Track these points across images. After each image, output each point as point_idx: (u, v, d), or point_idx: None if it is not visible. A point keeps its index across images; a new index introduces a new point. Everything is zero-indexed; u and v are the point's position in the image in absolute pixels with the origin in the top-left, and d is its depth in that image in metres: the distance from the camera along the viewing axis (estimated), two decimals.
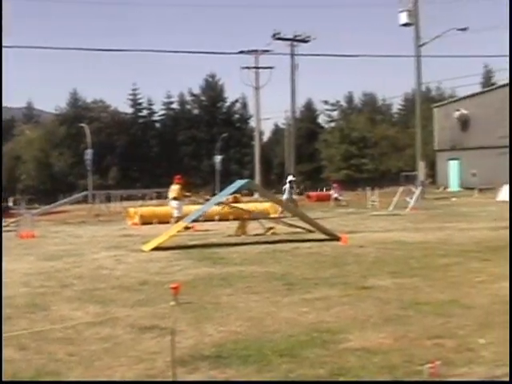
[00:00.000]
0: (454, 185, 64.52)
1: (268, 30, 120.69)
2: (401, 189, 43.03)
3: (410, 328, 9.23)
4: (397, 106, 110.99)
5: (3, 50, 28.92)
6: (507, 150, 59.53)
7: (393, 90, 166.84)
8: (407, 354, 8.03)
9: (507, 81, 63.42)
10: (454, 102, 69.56)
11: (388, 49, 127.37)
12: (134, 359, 8.08)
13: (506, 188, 49.65)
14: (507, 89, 61.66)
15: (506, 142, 59.58)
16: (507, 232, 22.64)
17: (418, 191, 41.12)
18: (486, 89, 74.29)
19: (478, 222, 27.34)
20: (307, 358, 7.98)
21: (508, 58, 37.77)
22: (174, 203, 28.27)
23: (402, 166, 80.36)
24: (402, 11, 53.85)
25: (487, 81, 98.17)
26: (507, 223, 25.81)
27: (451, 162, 65.34)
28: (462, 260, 15.85)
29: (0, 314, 10.25)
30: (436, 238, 21.14)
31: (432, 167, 68.51)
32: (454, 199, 49.22)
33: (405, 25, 53.99)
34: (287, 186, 34.89)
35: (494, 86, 72.65)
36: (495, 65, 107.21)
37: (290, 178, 36.66)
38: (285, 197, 34.52)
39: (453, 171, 65.24)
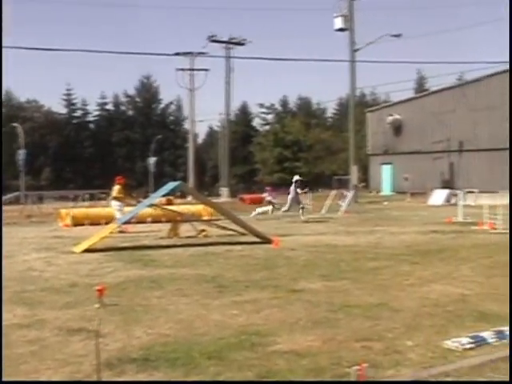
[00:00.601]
0: (386, 189, 65.16)
1: (204, 32, 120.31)
2: (333, 192, 43.31)
3: (338, 330, 9.29)
4: (331, 110, 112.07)
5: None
6: (441, 154, 60.48)
7: (327, 95, 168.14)
8: (335, 356, 8.08)
9: (440, 87, 64.48)
10: (388, 106, 70.31)
11: (323, 53, 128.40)
12: (61, 362, 7.97)
13: (437, 192, 50.46)
14: (440, 94, 62.67)
15: (439, 147, 60.51)
16: (437, 236, 23.03)
17: (350, 195, 41.46)
18: (418, 94, 75.24)
19: (408, 225, 27.65)
20: (235, 360, 7.97)
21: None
22: (115, 204, 28.02)
23: (335, 170, 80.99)
24: (337, 16, 54.27)
25: (420, 86, 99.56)
26: (437, 227, 26.26)
27: (384, 167, 65.99)
28: (391, 263, 16.02)
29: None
30: (367, 242, 21.33)
31: (365, 171, 69.14)
32: (386, 203, 49.75)
33: (340, 30, 54.43)
34: (292, 186, 34.40)
35: (426, 92, 73.66)
36: (428, 71, 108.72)
37: (296, 177, 35.71)
38: (290, 196, 33.87)
39: (385, 175, 65.90)
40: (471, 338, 8.63)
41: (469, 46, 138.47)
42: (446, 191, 50.65)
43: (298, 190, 33.85)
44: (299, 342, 8.74)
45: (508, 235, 22.68)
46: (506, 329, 9.04)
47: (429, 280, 13.47)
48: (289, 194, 34.28)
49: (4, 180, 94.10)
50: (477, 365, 7.72)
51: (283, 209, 34.20)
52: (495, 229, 24.71)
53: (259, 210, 36.58)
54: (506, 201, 29.33)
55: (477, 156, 57.93)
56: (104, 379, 7.14)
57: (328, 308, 10.79)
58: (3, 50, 28.01)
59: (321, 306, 10.99)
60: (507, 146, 54.85)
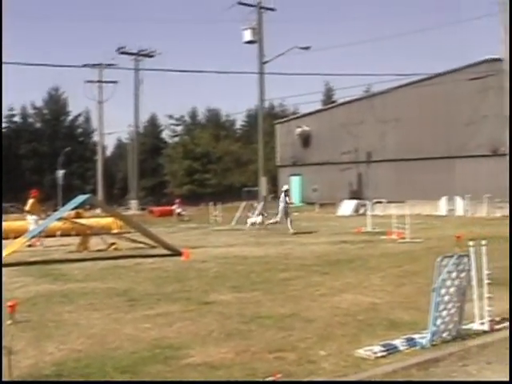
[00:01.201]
0: (296, 200, 65.55)
1: (113, 43, 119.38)
2: (243, 204, 43.40)
3: (251, 342, 9.30)
4: (240, 121, 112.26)
5: None
6: (349, 165, 61.27)
7: (237, 106, 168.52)
8: (249, 367, 8.09)
9: (348, 99, 65.32)
10: (296, 118, 70.82)
11: (232, 65, 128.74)
12: None
13: (346, 203, 51.06)
14: (348, 106, 63.51)
15: (348, 158, 61.32)
16: (347, 246, 23.31)
17: (259, 206, 41.59)
18: (327, 106, 76.06)
19: (318, 236, 27.93)
20: (149, 374, 7.91)
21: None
22: (31, 218, 27.51)
23: (244, 182, 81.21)
24: (245, 29, 54.42)
25: (328, 98, 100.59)
26: (347, 237, 26.59)
27: (293, 178, 66.40)
28: (302, 274, 16.14)
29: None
30: (277, 253, 21.44)
31: (274, 183, 69.45)
32: (295, 214, 50.00)
33: (249, 42, 54.60)
34: (282, 196, 33.94)
35: (334, 104, 74.58)
36: (336, 83, 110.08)
37: (286, 187, 35.27)
38: (281, 207, 32.99)
39: (294, 186, 66.24)
40: (383, 346, 8.76)
41: (376, 58, 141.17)
42: (355, 202, 51.30)
43: (287, 200, 33.23)
44: (212, 354, 8.72)
45: (415, 244, 23.21)
46: (417, 336, 9.21)
47: (340, 290, 13.61)
48: (278, 204, 33.76)
49: None
50: (389, 372, 7.85)
51: (273, 220, 33.62)
52: (404, 238, 25.14)
53: (251, 220, 36.12)
54: (414, 211, 29.85)
55: (384, 166, 58.87)
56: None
57: (240, 320, 10.80)
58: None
59: (233, 317, 10.99)
60: (414, 156, 56.10)
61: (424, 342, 8.97)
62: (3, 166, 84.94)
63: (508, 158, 40.96)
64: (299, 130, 65.76)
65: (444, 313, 9.15)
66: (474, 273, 10.02)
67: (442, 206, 46.21)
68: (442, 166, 54.65)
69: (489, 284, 10.09)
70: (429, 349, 8.81)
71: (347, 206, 50.23)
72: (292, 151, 67.07)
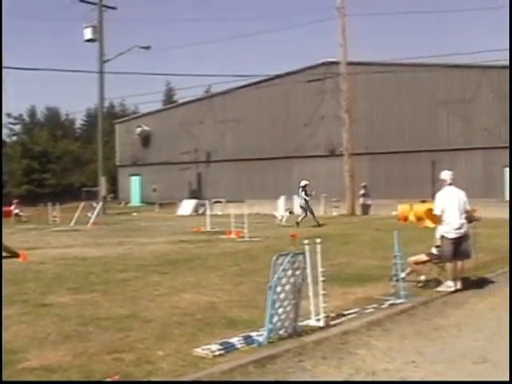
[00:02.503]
0: (135, 200, 65.26)
1: None
2: (82, 204, 42.77)
3: (89, 344, 9.21)
4: (80, 121, 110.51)
5: None
6: (189, 165, 61.42)
7: (77, 105, 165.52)
8: (87, 369, 8.02)
9: (188, 99, 65.44)
10: (136, 118, 70.39)
11: (73, 63, 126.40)
12: None
13: (186, 203, 51.17)
14: (188, 106, 63.62)
15: (187, 157, 61.47)
16: (186, 245, 23.39)
17: (99, 206, 41.15)
18: (167, 106, 75.97)
19: (158, 236, 27.86)
20: None
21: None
22: None
23: (84, 182, 80.00)
24: (86, 27, 53.74)
25: (169, 98, 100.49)
26: (186, 237, 26.69)
27: (133, 178, 66.07)
28: (141, 274, 16.08)
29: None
30: (116, 253, 21.26)
31: (114, 182, 68.86)
32: (135, 214, 49.80)
33: (89, 40, 53.92)
34: (300, 191, 32.66)
35: (174, 104, 74.58)
36: (177, 83, 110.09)
37: (304, 182, 33.76)
38: (301, 202, 32.86)
39: (134, 186, 66.01)
40: (220, 344, 8.86)
41: (217, 59, 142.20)
42: (194, 201, 51.52)
43: (304, 194, 32.98)
44: (50, 357, 8.57)
45: (253, 243, 23.55)
46: (254, 334, 9.36)
47: (178, 289, 13.65)
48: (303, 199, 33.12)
49: None
50: (227, 370, 7.95)
51: (301, 217, 32.66)
52: (242, 237, 25.48)
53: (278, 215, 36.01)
54: (253, 210, 30.30)
55: (224, 166, 59.40)
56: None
57: (78, 321, 10.66)
58: None
59: (71, 319, 10.84)
60: (254, 156, 56.88)
61: (261, 339, 9.12)
62: None
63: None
64: (139, 129, 65.44)
65: (280, 310, 9.33)
66: (309, 270, 10.28)
67: (280, 205, 46.99)
68: (281, 166, 55.71)
69: (323, 281, 10.38)
70: (266, 346, 8.96)
71: (187, 206, 50.37)
72: (132, 151, 66.66)
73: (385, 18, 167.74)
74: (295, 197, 47.06)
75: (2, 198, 49.59)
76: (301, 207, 33.22)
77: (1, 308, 10.91)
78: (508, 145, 41.46)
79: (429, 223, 27.26)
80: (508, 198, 41.88)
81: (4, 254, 20.63)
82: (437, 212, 13.86)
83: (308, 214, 32.50)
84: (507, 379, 7.90)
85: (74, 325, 10.45)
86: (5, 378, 7.78)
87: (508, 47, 37.23)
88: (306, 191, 33.09)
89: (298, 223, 31.21)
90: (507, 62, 44.04)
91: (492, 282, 14.78)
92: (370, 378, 7.98)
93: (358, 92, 48.65)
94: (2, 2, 29.84)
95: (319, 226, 31.00)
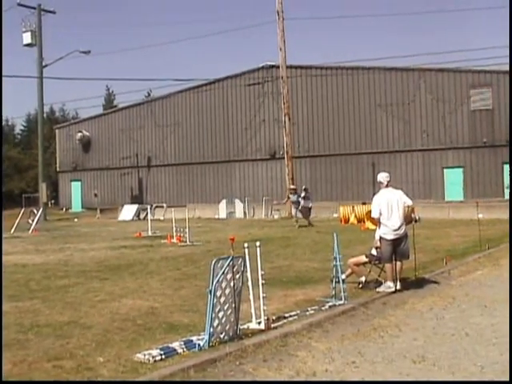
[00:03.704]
0: (76, 206, 64.76)
1: None
2: (22, 210, 42.29)
3: (29, 352, 9.12)
4: (20, 126, 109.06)
5: None
6: (130, 170, 61.14)
7: (16, 110, 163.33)
8: (26, 377, 7.95)
9: (128, 104, 65.17)
10: (77, 123, 69.82)
11: (12, 68, 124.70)
12: None
13: (127, 208, 50.94)
14: (128, 111, 63.32)
15: (128, 162, 61.19)
16: (127, 251, 23.29)
17: (39, 213, 40.71)
18: (107, 111, 75.47)
19: (98, 241, 27.68)
20: None
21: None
22: None
23: (24, 188, 79.06)
24: (25, 31, 53.36)
25: (109, 103, 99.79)
26: (127, 242, 26.59)
27: (73, 183, 65.57)
28: (82, 280, 15.97)
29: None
30: (57, 260, 21.07)
31: (55, 188, 68.27)
32: (76, 220, 49.43)
33: (28, 45, 53.52)
34: (303, 194, 32.61)
35: (115, 109, 74.11)
36: (117, 87, 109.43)
37: (303, 187, 35.26)
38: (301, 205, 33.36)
39: (75, 192, 65.51)
40: (161, 349, 8.85)
41: (156, 64, 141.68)
42: (136, 206, 51.34)
43: (300, 197, 33.81)
44: None
45: (195, 247, 23.56)
46: (195, 338, 9.37)
47: (119, 295, 13.60)
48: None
49: None
50: (167, 375, 7.95)
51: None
52: (184, 241, 25.46)
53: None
54: (194, 214, 30.31)
55: (165, 171, 59.29)
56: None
57: (18, 329, 10.55)
58: None
59: (10, 327, 10.71)
60: (194, 160, 56.85)
61: (202, 343, 9.14)
62: None
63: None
64: (79, 134, 64.97)
65: (220, 314, 9.35)
66: (249, 274, 10.33)
67: (222, 209, 47.11)
68: (222, 170, 55.82)
69: (264, 284, 10.44)
70: (206, 350, 8.98)
71: (128, 211, 50.16)
72: (72, 156, 66.14)
73: (324, 21, 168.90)
74: (236, 200, 47.35)
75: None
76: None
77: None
78: (444, 146, 42.29)
79: (370, 225, 27.71)
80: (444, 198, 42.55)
81: None
82: (374, 215, 14.02)
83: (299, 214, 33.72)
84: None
85: (13, 333, 10.34)
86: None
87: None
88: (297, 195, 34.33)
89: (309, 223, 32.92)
90: (444, 65, 44.86)
91: (431, 281, 15.01)
92: (310, 379, 8.05)
93: (298, 95, 49.10)
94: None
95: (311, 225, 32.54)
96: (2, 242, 20.30)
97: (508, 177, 42.96)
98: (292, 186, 36.81)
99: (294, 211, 34.70)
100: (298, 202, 33.97)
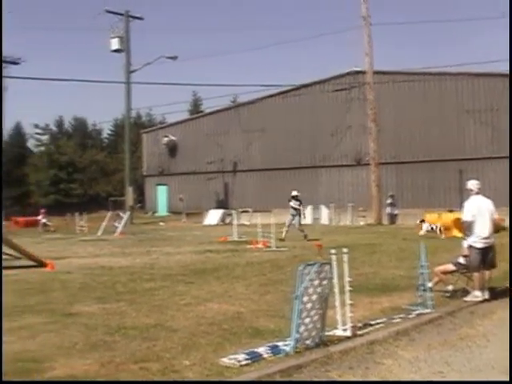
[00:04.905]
0: (162, 210, 65.33)
1: None
2: (109, 214, 42.97)
3: (116, 353, 9.22)
4: (107, 131, 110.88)
5: None
6: (215, 175, 61.51)
7: (103, 115, 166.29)
8: (113, 378, 8.03)
9: (214, 109, 65.60)
10: (163, 128, 70.53)
11: (100, 74, 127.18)
12: None
13: (212, 212, 51.22)
14: (214, 116, 63.74)
15: (213, 167, 61.58)
16: (212, 255, 23.39)
17: (126, 216, 41.29)
18: (194, 116, 76.05)
19: (184, 245, 27.89)
20: None
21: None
22: None
23: (111, 191, 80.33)
24: (113, 37, 54.14)
25: (195, 108, 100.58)
26: (212, 247, 26.70)
27: (159, 187, 66.17)
28: (167, 284, 16.10)
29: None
30: (143, 263, 21.31)
31: (141, 192, 69.11)
32: (161, 224, 49.94)
33: (116, 51, 54.30)
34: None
35: (201, 114, 74.62)
36: (203, 93, 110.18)
37: (295, 192, 31.82)
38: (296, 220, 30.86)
39: (161, 196, 66.10)
40: (247, 354, 8.84)
41: (243, 69, 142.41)
42: (221, 211, 51.59)
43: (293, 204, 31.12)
44: (76, 366, 8.60)
45: (280, 253, 23.52)
46: (281, 343, 9.34)
47: (205, 299, 13.65)
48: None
49: None
50: (254, 379, 7.93)
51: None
52: (269, 247, 25.44)
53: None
54: (279, 220, 30.21)
55: (250, 176, 59.42)
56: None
57: (105, 331, 10.69)
58: None
59: (98, 329, 10.87)
60: (280, 166, 56.88)
61: (287, 349, 9.10)
62: None
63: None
64: (166, 139, 65.57)
65: (307, 320, 9.30)
66: (335, 280, 10.25)
67: (307, 215, 46.93)
68: (307, 176, 55.64)
69: (350, 291, 10.35)
70: (292, 356, 8.94)
71: (213, 216, 50.41)
72: (158, 161, 66.78)
73: (409, 26, 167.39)
74: (322, 206, 47.16)
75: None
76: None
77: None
78: None
79: (456, 232, 27.27)
80: None
81: (31, 263, 20.79)
82: (466, 219, 13.75)
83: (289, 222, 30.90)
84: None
85: (100, 334, 10.48)
86: None
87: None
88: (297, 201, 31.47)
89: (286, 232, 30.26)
90: None
91: None
92: None
93: (384, 101, 48.58)
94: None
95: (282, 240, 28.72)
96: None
97: None
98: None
99: (288, 220, 30.97)
100: (296, 209, 31.20)
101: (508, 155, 45.99)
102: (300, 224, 31.06)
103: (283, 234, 29.47)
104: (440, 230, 30.47)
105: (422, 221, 31.76)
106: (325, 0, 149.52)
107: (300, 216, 31.38)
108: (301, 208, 31.59)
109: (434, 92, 50.71)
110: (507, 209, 28.59)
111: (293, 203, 31.22)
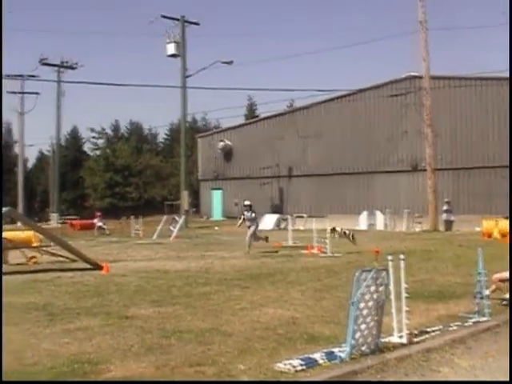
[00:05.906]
0: (217, 214, 65.57)
1: (35, 55, 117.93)
2: (164, 217, 43.21)
3: (171, 356, 9.27)
4: (162, 135, 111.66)
5: None
6: (270, 179, 61.56)
7: (159, 120, 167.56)
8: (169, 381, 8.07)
9: (269, 114, 65.69)
10: (219, 132, 70.79)
11: (156, 78, 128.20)
12: None
13: (267, 217, 51.21)
14: (270, 121, 63.83)
15: (269, 172, 61.63)
16: (267, 260, 23.39)
17: (181, 220, 41.47)
18: (249, 121, 76.17)
19: (239, 250, 27.87)
20: None
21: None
22: None
23: (166, 195, 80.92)
24: (169, 42, 54.49)
25: (251, 113, 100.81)
26: (267, 252, 26.62)
27: (214, 192, 66.44)
28: (222, 288, 16.14)
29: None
30: (198, 267, 21.38)
31: (196, 196, 69.42)
32: (216, 228, 50.06)
33: (172, 56, 54.66)
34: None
35: (256, 118, 74.74)
36: (259, 97, 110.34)
37: (247, 202, 30.41)
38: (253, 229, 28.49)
39: (216, 200, 66.37)
40: (302, 359, 8.82)
41: (299, 74, 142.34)
42: (276, 216, 51.57)
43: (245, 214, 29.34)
44: (132, 368, 8.67)
45: (335, 258, 23.43)
46: (336, 349, 9.30)
47: (260, 304, 13.65)
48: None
49: None
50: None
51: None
52: (324, 252, 25.35)
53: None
54: (334, 225, 30.03)
55: (305, 181, 59.32)
56: None
57: (160, 334, 10.76)
58: None
59: (153, 332, 10.94)
60: (335, 171, 56.71)
61: (343, 355, 9.06)
62: None
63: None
64: (221, 144, 65.80)
65: (362, 326, 9.26)
66: (392, 287, 10.18)
67: (362, 221, 46.74)
68: (363, 181, 55.38)
69: (406, 298, 10.28)
70: (348, 362, 8.90)
71: (269, 220, 50.36)
72: (214, 165, 67.07)
73: (466, 31, 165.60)
74: (377, 212, 46.87)
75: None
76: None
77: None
78: None
79: None
80: None
81: (87, 265, 21.03)
82: None
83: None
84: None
85: (156, 337, 10.55)
86: None
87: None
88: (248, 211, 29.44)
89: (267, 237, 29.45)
90: None
91: None
92: None
93: (440, 106, 48.14)
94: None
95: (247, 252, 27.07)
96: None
97: None
98: (246, 202, 30.05)
99: (250, 231, 28.36)
100: (252, 219, 29.10)
101: None
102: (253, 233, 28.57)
103: (247, 247, 27.59)
104: None
105: (333, 229, 28.70)
106: (379, 5, 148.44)
107: (257, 226, 29.59)
108: (246, 216, 29.36)
109: (492, 97, 50.10)
110: None
111: (246, 213, 29.37)
